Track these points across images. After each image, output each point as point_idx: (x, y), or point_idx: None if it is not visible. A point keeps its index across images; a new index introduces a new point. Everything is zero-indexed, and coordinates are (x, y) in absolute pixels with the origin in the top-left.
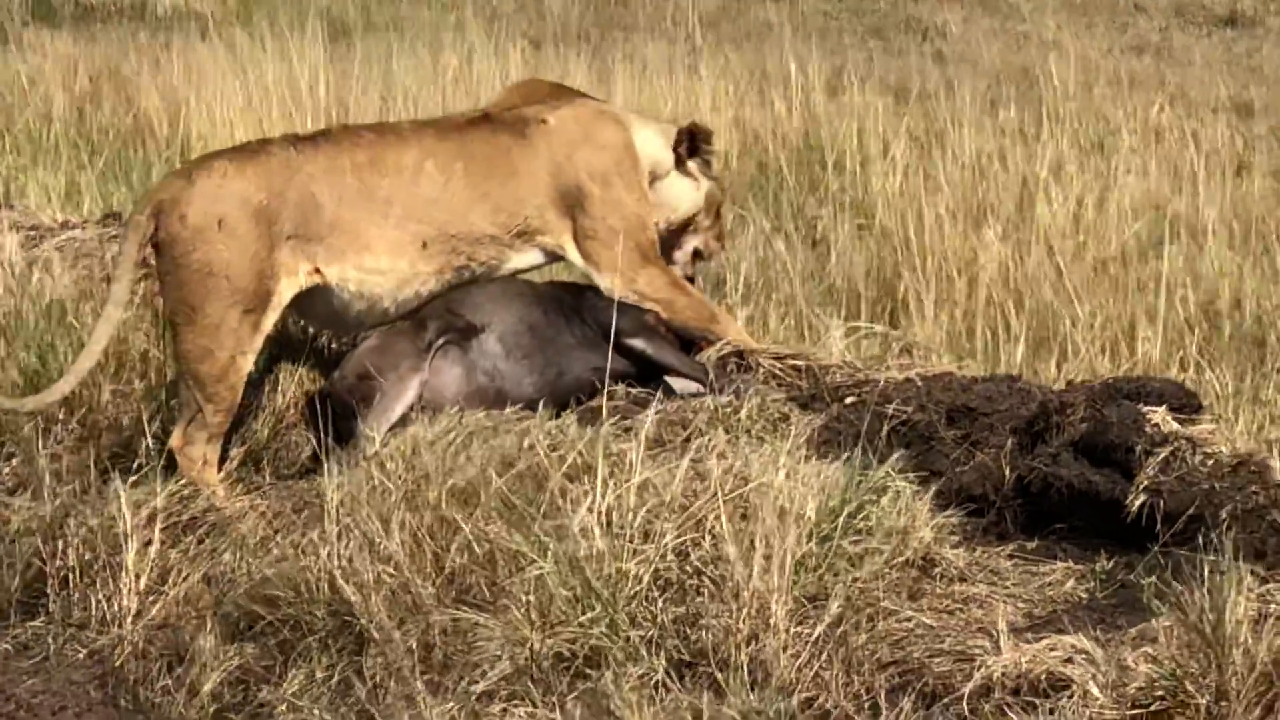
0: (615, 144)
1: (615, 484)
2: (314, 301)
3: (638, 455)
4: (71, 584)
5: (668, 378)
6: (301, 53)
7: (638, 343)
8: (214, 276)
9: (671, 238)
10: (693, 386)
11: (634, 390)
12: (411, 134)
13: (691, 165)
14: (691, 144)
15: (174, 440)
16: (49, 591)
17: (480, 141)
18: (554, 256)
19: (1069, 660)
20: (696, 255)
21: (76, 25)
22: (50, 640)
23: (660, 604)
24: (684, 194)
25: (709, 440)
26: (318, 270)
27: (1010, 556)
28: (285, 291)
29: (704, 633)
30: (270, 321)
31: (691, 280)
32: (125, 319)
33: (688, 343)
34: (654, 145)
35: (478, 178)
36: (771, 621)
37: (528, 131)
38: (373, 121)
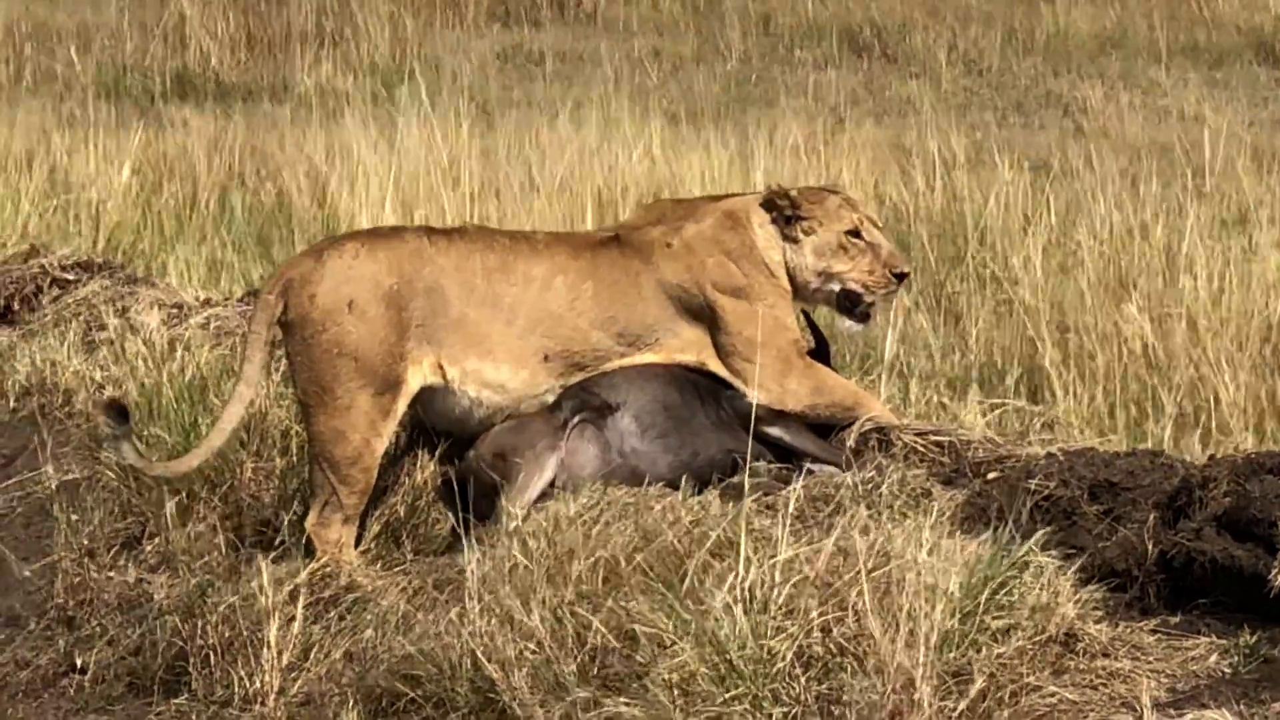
0: (738, 251)
1: (758, 561)
2: (435, 402)
3: (782, 532)
4: (214, 661)
5: (807, 463)
6: (445, 131)
7: (775, 430)
8: (344, 357)
9: (819, 295)
10: (832, 470)
11: (775, 466)
12: (545, 247)
13: (793, 230)
14: (778, 214)
15: (310, 521)
16: (191, 669)
17: (609, 264)
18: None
19: None
20: (851, 299)
21: (217, 102)
22: (193, 718)
23: (804, 681)
24: (798, 262)
25: (851, 516)
26: (441, 366)
27: (1153, 631)
28: (413, 380)
29: (848, 709)
30: (402, 407)
31: (866, 316)
32: (265, 395)
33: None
34: (772, 231)
35: (605, 300)
36: (915, 698)
37: (653, 257)
38: (510, 227)
